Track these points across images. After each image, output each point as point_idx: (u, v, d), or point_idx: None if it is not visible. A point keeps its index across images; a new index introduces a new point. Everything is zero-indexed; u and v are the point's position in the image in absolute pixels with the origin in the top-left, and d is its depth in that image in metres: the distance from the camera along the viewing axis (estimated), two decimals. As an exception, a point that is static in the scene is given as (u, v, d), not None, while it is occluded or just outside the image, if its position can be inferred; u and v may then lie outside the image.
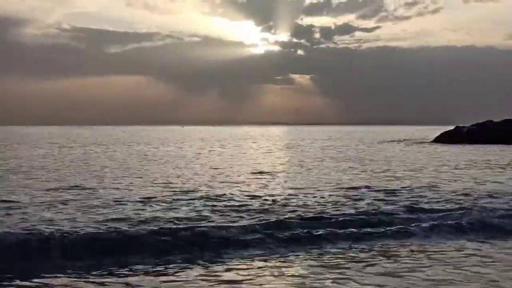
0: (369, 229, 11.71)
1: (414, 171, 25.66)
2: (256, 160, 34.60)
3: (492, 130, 57.47)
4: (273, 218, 12.77)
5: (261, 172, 25.15)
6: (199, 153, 41.46)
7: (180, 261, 9.68)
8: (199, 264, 9.46)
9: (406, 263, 9.50)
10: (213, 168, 27.36)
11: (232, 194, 17.25)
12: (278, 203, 15.45)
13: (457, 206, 14.85)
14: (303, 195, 17.14)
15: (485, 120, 60.63)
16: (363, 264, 9.39)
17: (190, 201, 15.56)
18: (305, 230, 11.38)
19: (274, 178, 22.70)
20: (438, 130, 71.93)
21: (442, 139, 61.91)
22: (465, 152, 41.86)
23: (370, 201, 15.83)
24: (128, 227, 11.57)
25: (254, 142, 67.26)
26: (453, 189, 18.65)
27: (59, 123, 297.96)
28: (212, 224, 12.06)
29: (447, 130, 64.49)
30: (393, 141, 68.96)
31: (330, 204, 15.15)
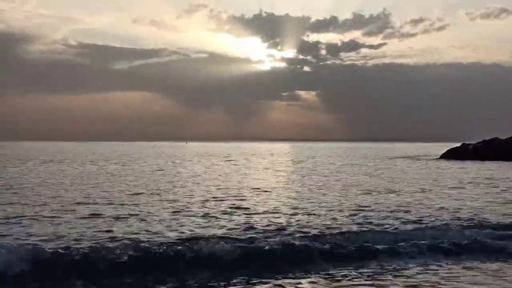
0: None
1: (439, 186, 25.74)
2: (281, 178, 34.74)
3: (499, 147, 57.50)
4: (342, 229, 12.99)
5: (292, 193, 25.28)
6: (226, 169, 41.65)
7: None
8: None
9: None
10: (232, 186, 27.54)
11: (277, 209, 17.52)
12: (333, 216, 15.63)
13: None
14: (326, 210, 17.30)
15: (491, 137, 60.70)
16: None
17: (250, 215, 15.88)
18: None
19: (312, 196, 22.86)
20: (444, 147, 71.92)
21: (449, 155, 61.99)
22: (478, 169, 41.87)
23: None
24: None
25: (268, 157, 67.45)
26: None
27: (65, 139, 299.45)
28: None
29: (454, 147, 64.58)
30: (404, 157, 69.01)
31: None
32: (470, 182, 29.24)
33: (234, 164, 50.60)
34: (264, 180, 30.81)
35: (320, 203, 19.49)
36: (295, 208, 18.10)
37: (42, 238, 12.28)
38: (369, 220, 15.27)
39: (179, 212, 16.86)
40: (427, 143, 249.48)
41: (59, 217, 15.51)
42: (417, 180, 30.99)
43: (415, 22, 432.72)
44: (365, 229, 13.78)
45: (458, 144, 65.23)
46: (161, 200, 20.20)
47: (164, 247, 10.73)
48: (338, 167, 45.34)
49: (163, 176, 33.44)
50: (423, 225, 14.35)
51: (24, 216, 15.46)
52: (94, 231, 13.20)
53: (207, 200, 20.08)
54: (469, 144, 62.81)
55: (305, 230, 13.60)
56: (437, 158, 62.89)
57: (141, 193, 22.53)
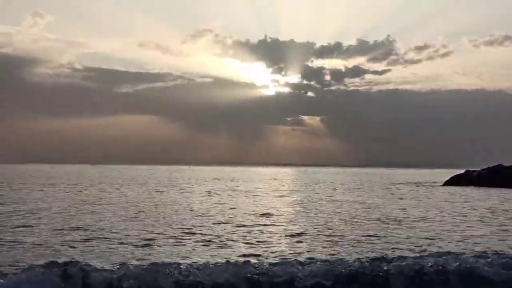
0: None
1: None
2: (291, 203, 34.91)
3: (503, 174, 57.56)
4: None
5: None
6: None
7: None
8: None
9: None
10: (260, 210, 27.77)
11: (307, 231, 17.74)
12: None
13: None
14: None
15: (495, 164, 60.79)
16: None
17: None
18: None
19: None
20: (447, 174, 72.02)
21: (453, 182, 62.08)
22: (486, 196, 41.95)
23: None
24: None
25: (273, 181, 67.57)
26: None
27: (71, 162, 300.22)
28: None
29: (458, 173, 64.70)
30: (410, 183, 69.10)
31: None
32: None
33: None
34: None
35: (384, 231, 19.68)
36: (342, 234, 18.34)
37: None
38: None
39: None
40: (431, 169, 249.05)
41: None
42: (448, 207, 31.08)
43: (420, 48, 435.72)
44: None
45: (462, 171, 65.38)
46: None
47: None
48: (356, 195, 45.44)
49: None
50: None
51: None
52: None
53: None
54: (474, 170, 62.93)
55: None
56: (441, 185, 62.95)
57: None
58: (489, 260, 12.40)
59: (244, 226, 20.33)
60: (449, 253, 13.24)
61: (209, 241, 16.37)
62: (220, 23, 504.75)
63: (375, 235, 17.97)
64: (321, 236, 17.78)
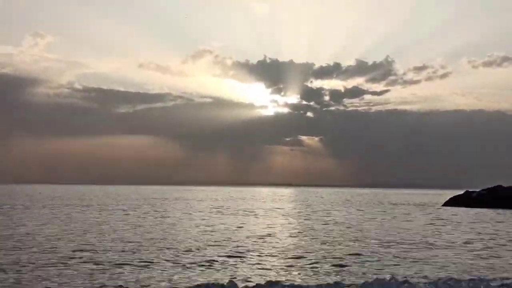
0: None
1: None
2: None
3: (502, 195, 57.26)
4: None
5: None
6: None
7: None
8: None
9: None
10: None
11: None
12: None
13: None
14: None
15: (494, 185, 60.49)
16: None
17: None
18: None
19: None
20: (445, 195, 71.72)
21: (453, 203, 61.80)
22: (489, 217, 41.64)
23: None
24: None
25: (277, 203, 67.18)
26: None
27: (70, 182, 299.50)
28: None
29: (457, 194, 64.47)
30: (412, 204, 68.75)
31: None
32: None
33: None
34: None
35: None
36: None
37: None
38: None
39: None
40: (430, 190, 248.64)
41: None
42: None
43: (418, 69, 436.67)
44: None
45: (461, 191, 65.16)
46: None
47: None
48: (361, 218, 45.14)
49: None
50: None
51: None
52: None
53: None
54: (473, 191, 62.66)
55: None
56: (440, 206, 62.60)
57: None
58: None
59: (239, 247, 20.01)
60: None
61: (196, 264, 16.07)
62: (219, 43, 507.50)
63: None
64: (314, 260, 17.47)
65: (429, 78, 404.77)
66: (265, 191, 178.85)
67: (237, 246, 20.21)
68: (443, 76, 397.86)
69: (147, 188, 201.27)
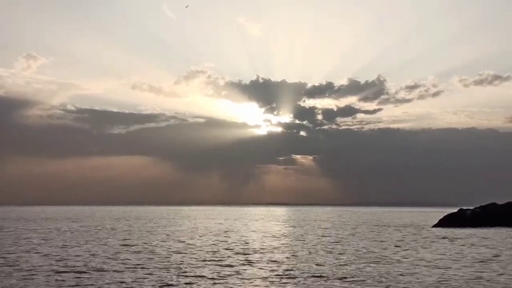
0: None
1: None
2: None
3: (496, 214, 56.80)
4: None
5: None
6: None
7: None
8: None
9: None
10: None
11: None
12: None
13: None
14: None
15: (488, 203, 60.05)
16: None
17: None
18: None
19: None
20: (440, 213, 71.12)
21: (445, 223, 60.18)
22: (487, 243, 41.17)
23: None
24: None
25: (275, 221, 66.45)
26: None
27: (63, 203, 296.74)
28: None
29: (451, 212, 63.57)
30: (403, 226, 68.14)
31: None
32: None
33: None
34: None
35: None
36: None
37: None
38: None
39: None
40: (423, 208, 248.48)
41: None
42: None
43: (410, 88, 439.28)
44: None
45: (455, 210, 64.35)
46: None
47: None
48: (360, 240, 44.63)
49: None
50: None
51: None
52: None
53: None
54: (467, 209, 62.04)
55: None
56: (430, 228, 62.04)
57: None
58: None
59: (230, 266, 19.68)
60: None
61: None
62: (212, 64, 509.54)
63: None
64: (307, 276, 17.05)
65: (421, 97, 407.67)
66: (258, 210, 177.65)
67: (229, 266, 19.75)
68: (435, 94, 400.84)
69: (135, 209, 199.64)
